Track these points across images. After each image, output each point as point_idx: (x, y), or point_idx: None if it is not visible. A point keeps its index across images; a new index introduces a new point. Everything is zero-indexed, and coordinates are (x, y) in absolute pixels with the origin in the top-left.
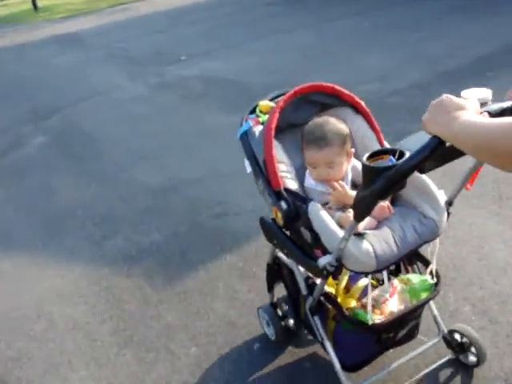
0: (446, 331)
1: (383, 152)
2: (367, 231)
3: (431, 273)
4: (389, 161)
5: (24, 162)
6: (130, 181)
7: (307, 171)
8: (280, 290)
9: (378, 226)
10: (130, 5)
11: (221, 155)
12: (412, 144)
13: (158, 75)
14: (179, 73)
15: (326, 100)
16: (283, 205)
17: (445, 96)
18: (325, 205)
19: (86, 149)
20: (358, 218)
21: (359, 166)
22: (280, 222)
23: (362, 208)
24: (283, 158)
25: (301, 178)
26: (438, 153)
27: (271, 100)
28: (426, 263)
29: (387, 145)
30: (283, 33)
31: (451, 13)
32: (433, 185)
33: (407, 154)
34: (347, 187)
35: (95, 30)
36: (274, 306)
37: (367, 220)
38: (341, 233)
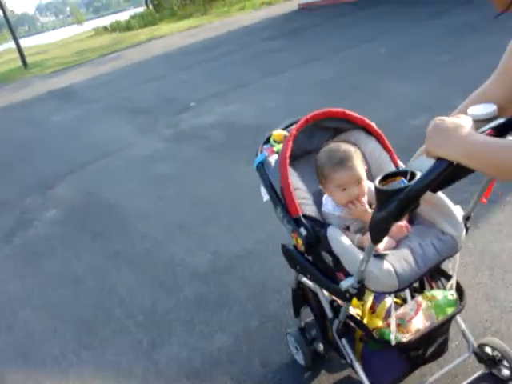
0: (475, 345)
1: (395, 174)
2: (387, 252)
3: (452, 287)
4: (401, 182)
5: (37, 244)
6: (168, 261)
7: (324, 196)
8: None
9: (397, 245)
10: (120, 53)
11: (269, 219)
12: (422, 164)
13: (172, 126)
14: (194, 121)
15: (338, 125)
16: (303, 231)
17: (437, 119)
18: (344, 229)
19: (107, 222)
20: (375, 240)
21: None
22: (301, 247)
23: (378, 230)
24: (299, 185)
25: (317, 203)
26: (448, 172)
27: (284, 129)
28: (449, 278)
29: (402, 165)
30: (294, 68)
31: (467, 30)
32: (449, 201)
33: (418, 175)
34: (367, 205)
35: (90, 82)
36: (301, 330)
37: (386, 240)
38: (360, 255)
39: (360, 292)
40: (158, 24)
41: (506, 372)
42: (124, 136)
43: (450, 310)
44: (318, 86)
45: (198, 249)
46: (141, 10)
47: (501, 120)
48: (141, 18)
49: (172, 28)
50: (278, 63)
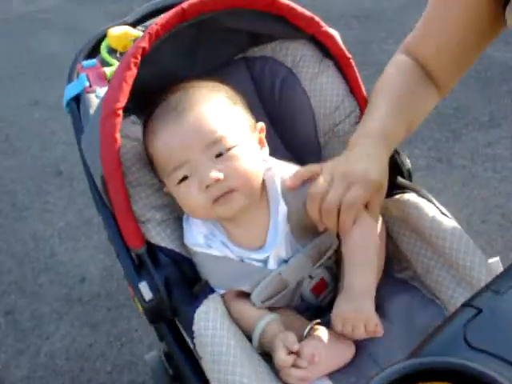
0: None
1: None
2: None
3: None
4: None
5: None
6: None
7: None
8: None
9: (358, 351)
10: None
11: None
12: None
13: None
14: None
15: (257, 26)
16: (145, 292)
17: None
18: (237, 294)
19: None
20: None
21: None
22: (141, 315)
23: None
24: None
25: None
26: None
27: (135, 25)
28: None
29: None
30: None
31: None
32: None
33: None
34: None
35: None
36: None
37: (336, 350)
38: None
39: None
40: None
41: None
42: None
43: None
44: None
45: None
46: None
47: None
48: None
49: None
50: None
